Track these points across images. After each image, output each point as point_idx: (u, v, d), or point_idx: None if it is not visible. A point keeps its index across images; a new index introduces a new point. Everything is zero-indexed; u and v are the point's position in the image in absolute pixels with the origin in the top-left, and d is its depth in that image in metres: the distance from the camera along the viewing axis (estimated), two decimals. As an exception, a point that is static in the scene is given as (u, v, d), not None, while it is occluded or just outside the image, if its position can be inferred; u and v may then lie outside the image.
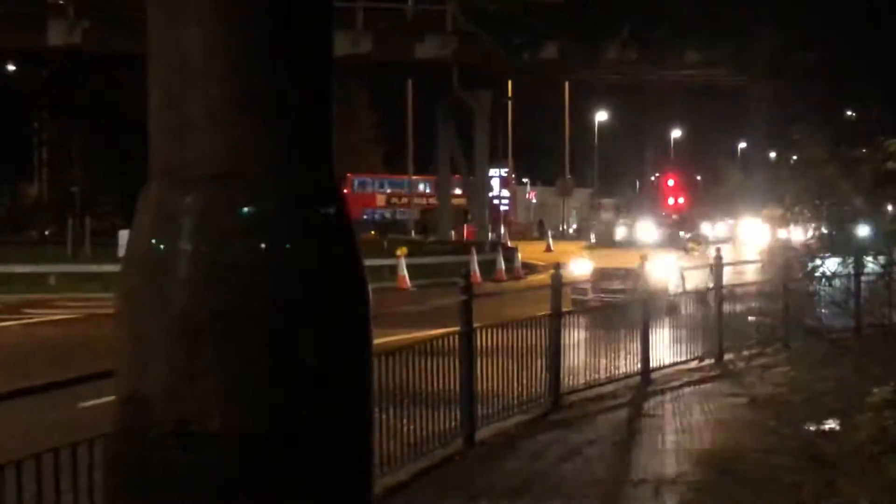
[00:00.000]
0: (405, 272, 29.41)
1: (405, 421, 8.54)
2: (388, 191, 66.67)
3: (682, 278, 18.71)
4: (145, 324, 1.72)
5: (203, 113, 1.76)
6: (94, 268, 29.12)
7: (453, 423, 9.54)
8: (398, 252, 30.81)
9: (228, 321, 1.67)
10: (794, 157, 12.52)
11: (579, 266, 22.64)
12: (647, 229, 26.43)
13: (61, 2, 38.61)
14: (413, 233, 55.45)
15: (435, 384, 9.26)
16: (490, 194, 51.09)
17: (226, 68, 1.75)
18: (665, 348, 13.99)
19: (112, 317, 1.87)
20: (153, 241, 1.75)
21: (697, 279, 16.99)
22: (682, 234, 26.62)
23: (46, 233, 50.78)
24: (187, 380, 1.66)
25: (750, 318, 13.32)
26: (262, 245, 1.70)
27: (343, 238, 1.81)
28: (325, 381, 1.70)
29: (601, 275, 20.29)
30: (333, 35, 1.84)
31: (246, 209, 1.71)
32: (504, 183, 60.49)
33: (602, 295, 19.09)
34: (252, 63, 1.75)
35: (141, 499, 1.67)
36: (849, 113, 11.07)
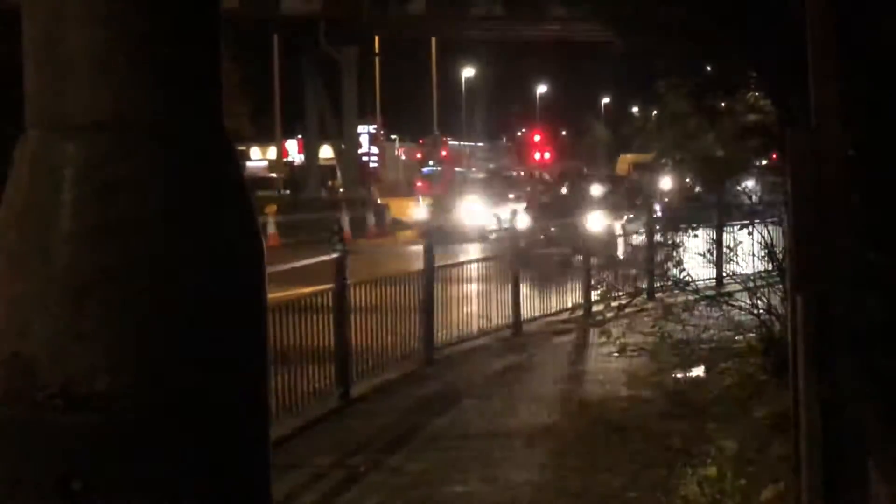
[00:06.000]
0: (275, 230, 29.15)
1: (280, 378, 8.49)
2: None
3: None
4: (27, 282, 1.63)
5: (84, 56, 1.65)
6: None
7: (329, 380, 9.53)
8: (267, 210, 30.49)
9: (116, 277, 1.59)
10: (655, 112, 12.76)
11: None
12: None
13: None
14: (280, 191, 54.81)
15: (310, 341, 9.23)
16: (359, 151, 50.82)
17: (106, 8, 1.64)
18: (536, 301, 14.20)
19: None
20: (32, 194, 1.65)
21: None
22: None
23: None
24: (73, 339, 1.58)
25: (616, 270, 13.55)
26: (151, 197, 1.62)
27: (235, 189, 1.73)
28: (219, 336, 1.64)
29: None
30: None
31: (132, 159, 1.62)
32: (373, 140, 60.15)
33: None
34: (134, 4, 1.65)
35: (24, 464, 1.59)
36: (709, 69, 11.27)
